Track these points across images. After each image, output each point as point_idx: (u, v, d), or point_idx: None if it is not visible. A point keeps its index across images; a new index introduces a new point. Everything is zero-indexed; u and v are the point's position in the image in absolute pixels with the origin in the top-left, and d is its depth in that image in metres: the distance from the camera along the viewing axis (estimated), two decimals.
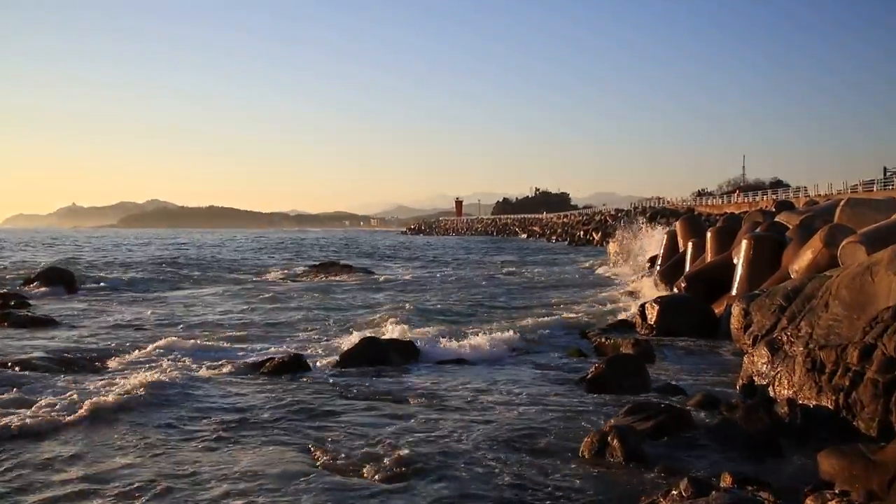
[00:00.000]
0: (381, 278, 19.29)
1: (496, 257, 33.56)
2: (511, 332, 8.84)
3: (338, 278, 19.22)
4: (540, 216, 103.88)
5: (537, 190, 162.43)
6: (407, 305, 12.65)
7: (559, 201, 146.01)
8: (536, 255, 34.65)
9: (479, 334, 9.00)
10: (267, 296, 14.87)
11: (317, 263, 23.65)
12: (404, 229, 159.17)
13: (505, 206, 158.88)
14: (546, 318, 10.87)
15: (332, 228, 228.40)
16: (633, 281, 14.40)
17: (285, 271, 21.86)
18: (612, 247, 23.06)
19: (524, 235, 79.14)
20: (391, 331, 8.98)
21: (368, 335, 8.47)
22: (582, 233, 54.06)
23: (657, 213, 45.69)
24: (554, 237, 59.81)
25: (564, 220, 77.50)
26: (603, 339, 8.53)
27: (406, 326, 9.26)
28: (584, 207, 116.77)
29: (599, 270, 20.90)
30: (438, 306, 12.50)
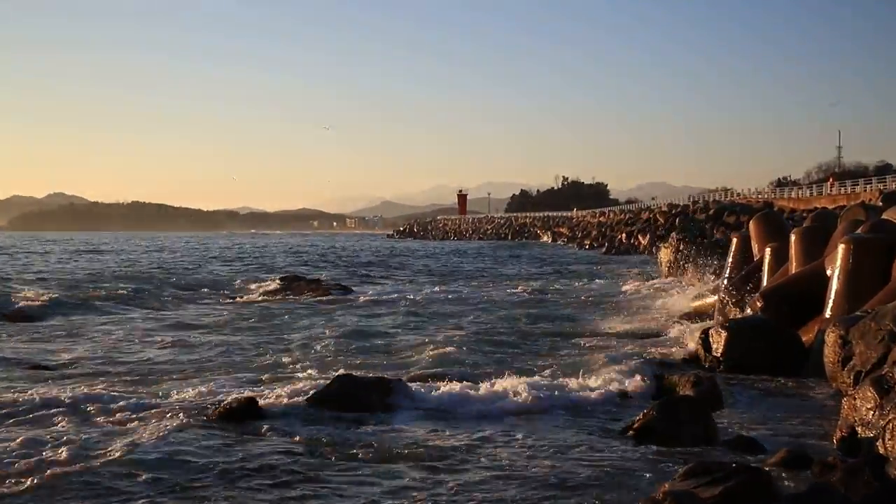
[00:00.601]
0: (361, 298, 19.62)
1: (511, 268, 33.77)
2: (532, 379, 8.74)
3: (303, 298, 19.44)
4: (569, 214, 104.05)
5: (565, 180, 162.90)
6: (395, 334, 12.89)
7: (594, 194, 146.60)
8: (565, 266, 34.88)
9: (489, 373, 9.12)
10: (209, 321, 15.02)
11: (274, 279, 24.13)
12: (391, 232, 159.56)
13: (523, 200, 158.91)
14: (580, 351, 11.02)
15: (298, 231, 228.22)
16: (695, 300, 14.46)
17: (232, 290, 22.14)
18: (664, 254, 23.16)
19: (547, 239, 79.48)
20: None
21: (343, 373, 8.51)
22: (624, 236, 54.29)
23: (723, 210, 45.83)
24: (587, 242, 60.02)
25: (601, 219, 77.69)
26: (655, 376, 8.59)
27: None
28: (628, 202, 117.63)
29: (648, 285, 20.94)
30: (438, 337, 12.60)
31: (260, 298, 19.73)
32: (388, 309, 17.34)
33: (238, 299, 19.55)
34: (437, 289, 22.51)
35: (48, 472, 5.45)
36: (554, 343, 12.14)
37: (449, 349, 11.19)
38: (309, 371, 9.58)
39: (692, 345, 10.39)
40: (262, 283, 23.42)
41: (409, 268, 35.27)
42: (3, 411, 7.22)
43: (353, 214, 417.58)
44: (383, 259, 43.44)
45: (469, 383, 8.45)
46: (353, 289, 22.22)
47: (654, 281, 21.69)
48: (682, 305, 14.87)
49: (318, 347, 11.80)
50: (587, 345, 11.78)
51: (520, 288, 21.63)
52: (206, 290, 21.55)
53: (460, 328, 13.83)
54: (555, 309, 16.77)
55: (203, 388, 8.38)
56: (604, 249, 50.83)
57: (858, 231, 10.27)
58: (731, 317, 11.51)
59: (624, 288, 21.09)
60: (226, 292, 21.17)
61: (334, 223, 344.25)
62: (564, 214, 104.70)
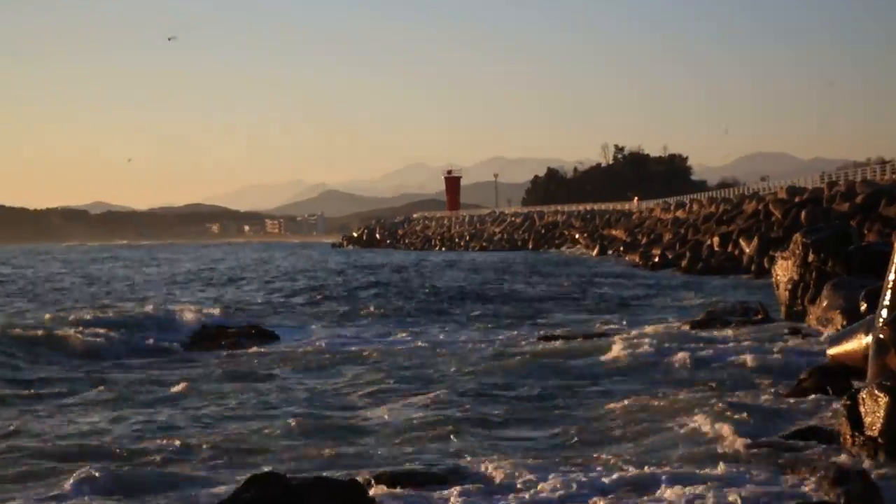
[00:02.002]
0: (282, 347, 20.48)
1: (544, 304, 33.84)
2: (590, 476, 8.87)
3: (207, 356, 20.48)
4: (624, 206, 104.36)
5: (619, 151, 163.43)
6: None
7: (667, 174, 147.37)
8: (636, 300, 34.95)
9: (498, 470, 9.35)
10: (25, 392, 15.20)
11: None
12: (338, 240, 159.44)
13: (551, 185, 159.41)
14: (649, 421, 11.16)
15: (180, 243, 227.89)
16: (834, 343, 14.52)
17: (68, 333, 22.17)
18: (781, 269, 23.20)
19: (592, 251, 79.10)
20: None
21: (268, 470, 8.50)
22: (716, 240, 54.48)
23: (880, 197, 45.86)
24: (656, 253, 59.85)
25: (678, 213, 78.05)
26: (778, 462, 8.71)
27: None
28: (721, 186, 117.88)
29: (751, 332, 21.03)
30: (417, 410, 12.91)
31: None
32: (345, 366, 17.91)
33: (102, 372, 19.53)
34: (420, 330, 23.17)
35: None
36: (592, 405, 12.27)
37: (435, 428, 11.69)
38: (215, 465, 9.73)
39: (832, 417, 10.44)
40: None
41: (363, 294, 35.63)
42: None
43: (276, 213, 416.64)
44: (320, 282, 43.40)
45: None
46: (276, 333, 23.39)
47: (767, 326, 21.78)
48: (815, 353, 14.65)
49: (232, 427, 12.19)
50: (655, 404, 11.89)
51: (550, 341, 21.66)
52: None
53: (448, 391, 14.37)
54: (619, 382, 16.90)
55: None
56: (683, 264, 50.82)
57: None
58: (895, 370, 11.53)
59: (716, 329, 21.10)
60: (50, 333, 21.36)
61: (246, 227, 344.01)
62: (618, 207, 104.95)
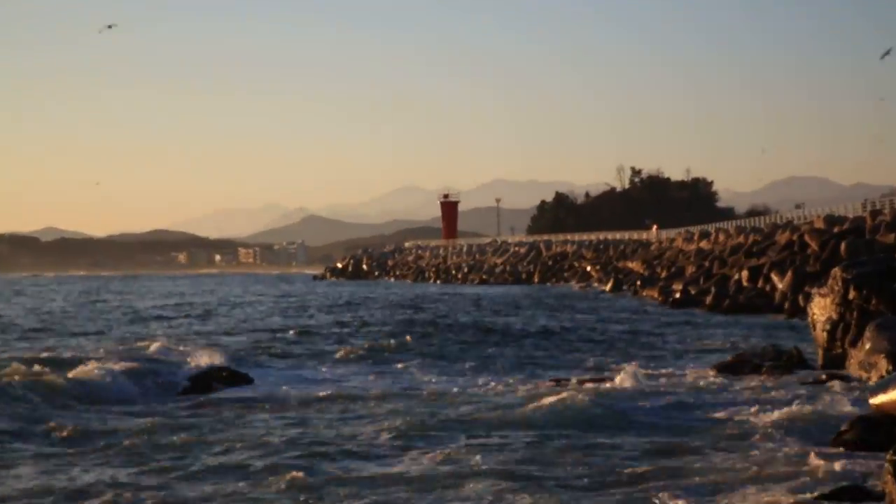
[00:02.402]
0: (261, 392, 20.24)
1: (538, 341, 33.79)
2: None
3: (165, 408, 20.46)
4: (642, 235, 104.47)
5: (636, 174, 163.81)
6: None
7: (690, 199, 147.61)
8: (651, 340, 34.93)
9: None
10: None
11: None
12: (320, 272, 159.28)
13: (558, 211, 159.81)
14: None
15: (142, 273, 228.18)
16: (879, 391, 14.52)
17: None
18: (818, 308, 23.14)
19: (605, 286, 79.01)
20: None
21: None
22: (746, 274, 54.49)
23: None
24: (677, 289, 59.77)
25: (703, 244, 78.15)
26: None
27: None
28: (750, 214, 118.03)
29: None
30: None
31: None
32: (337, 413, 17.90)
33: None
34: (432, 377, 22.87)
35: None
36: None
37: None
38: None
39: (876, 474, 10.40)
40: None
41: (350, 334, 35.50)
42: None
43: (251, 241, 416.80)
44: (303, 323, 43.37)
45: None
46: (248, 375, 23.77)
47: (802, 372, 21.77)
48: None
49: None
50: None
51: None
52: None
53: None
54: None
55: None
56: (707, 300, 50.81)
57: None
58: None
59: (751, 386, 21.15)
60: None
61: (216, 256, 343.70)
62: (634, 237, 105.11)
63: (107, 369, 22.89)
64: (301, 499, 11.74)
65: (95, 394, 21.01)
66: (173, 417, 18.08)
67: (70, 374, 21.70)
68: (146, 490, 12.28)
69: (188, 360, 25.61)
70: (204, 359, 25.72)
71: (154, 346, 27.72)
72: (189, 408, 19.24)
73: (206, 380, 22.54)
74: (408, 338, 33.31)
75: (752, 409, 16.87)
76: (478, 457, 13.69)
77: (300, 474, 12.74)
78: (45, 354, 26.67)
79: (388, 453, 14.42)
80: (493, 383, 22.08)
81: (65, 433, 16.35)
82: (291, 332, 37.16)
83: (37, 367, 22.31)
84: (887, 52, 53.35)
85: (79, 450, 15.06)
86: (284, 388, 21.87)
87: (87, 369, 22.62)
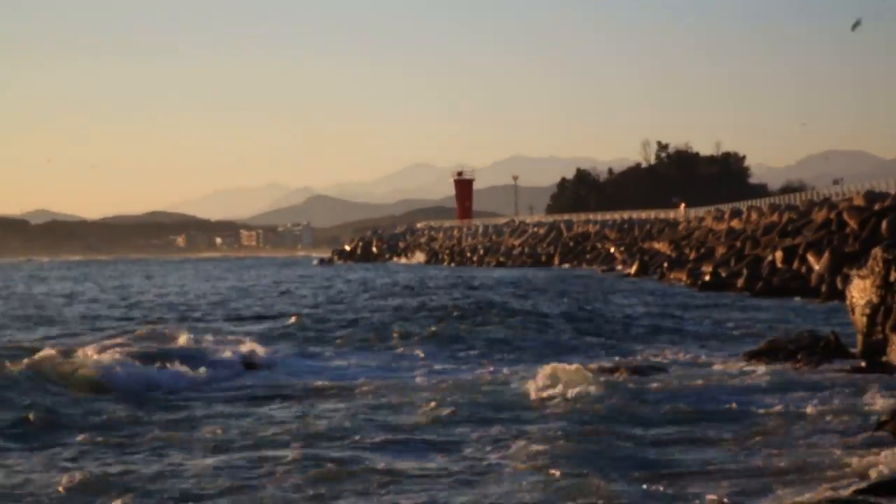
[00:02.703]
0: (298, 384, 20.27)
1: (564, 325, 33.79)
2: None
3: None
4: (669, 214, 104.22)
5: (662, 149, 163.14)
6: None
7: (720, 175, 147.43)
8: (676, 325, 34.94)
9: None
10: None
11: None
12: (325, 255, 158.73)
13: (579, 189, 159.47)
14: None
15: (140, 256, 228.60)
16: None
17: None
18: (858, 290, 23.10)
19: (629, 270, 78.89)
20: None
21: None
22: (780, 255, 54.46)
23: None
24: (706, 270, 59.72)
25: (734, 223, 77.99)
26: None
27: None
28: (784, 191, 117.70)
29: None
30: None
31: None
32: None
33: None
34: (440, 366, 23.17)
35: None
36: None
37: None
38: None
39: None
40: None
41: (359, 320, 35.47)
42: None
43: (253, 222, 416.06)
44: (306, 306, 43.44)
45: None
46: (255, 361, 23.87)
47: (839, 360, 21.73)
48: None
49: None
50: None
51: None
52: None
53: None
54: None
55: None
56: (739, 283, 50.78)
57: None
58: None
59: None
60: None
61: (217, 239, 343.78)
62: (661, 216, 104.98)
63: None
64: None
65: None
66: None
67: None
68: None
69: None
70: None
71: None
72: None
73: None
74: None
75: (786, 400, 16.91)
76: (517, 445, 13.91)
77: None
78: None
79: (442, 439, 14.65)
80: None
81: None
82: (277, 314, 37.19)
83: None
84: (857, 23, 54.75)
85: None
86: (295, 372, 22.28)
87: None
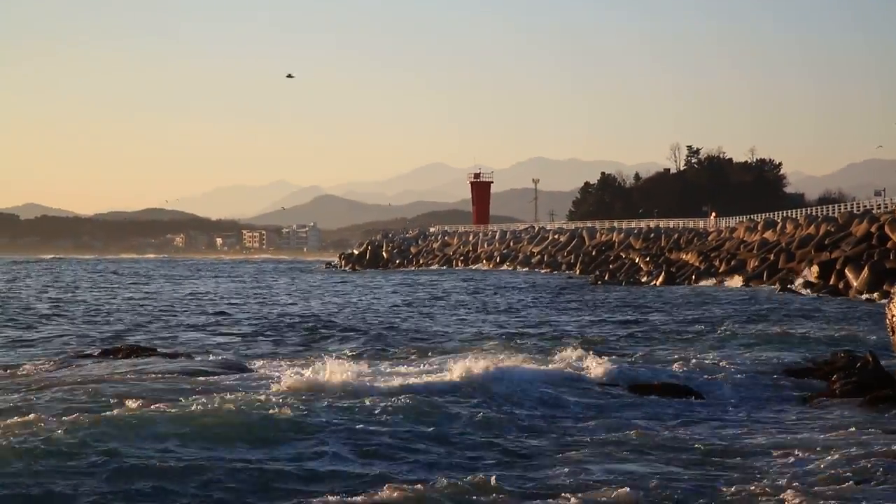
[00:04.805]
0: (259, 378, 20.38)
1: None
2: None
3: (150, 377, 21.81)
4: (698, 223, 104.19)
5: (692, 154, 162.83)
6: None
7: (756, 184, 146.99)
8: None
9: None
10: None
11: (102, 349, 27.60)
12: (333, 260, 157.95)
13: (603, 194, 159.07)
14: None
15: (133, 255, 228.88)
16: None
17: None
18: None
19: (656, 282, 78.28)
20: None
21: None
22: (816, 270, 54.37)
23: None
24: (738, 279, 59.53)
25: (767, 234, 77.88)
26: None
27: None
28: (822, 202, 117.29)
29: None
30: None
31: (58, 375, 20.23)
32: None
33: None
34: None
35: None
36: None
37: None
38: None
39: None
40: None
41: (363, 326, 35.43)
42: None
43: (257, 222, 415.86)
44: (303, 317, 43.36)
45: None
46: (242, 363, 24.58)
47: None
48: None
49: None
50: None
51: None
52: None
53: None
54: None
55: None
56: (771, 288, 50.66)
57: None
58: None
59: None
60: None
61: (218, 239, 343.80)
62: (690, 225, 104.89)
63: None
64: None
65: None
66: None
67: None
68: None
69: None
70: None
71: None
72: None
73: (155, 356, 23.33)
74: None
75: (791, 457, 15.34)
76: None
77: None
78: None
79: None
80: None
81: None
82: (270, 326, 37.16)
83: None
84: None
85: None
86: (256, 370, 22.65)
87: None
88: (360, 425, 16.36)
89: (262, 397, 18.11)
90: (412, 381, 20.73)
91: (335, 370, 20.49)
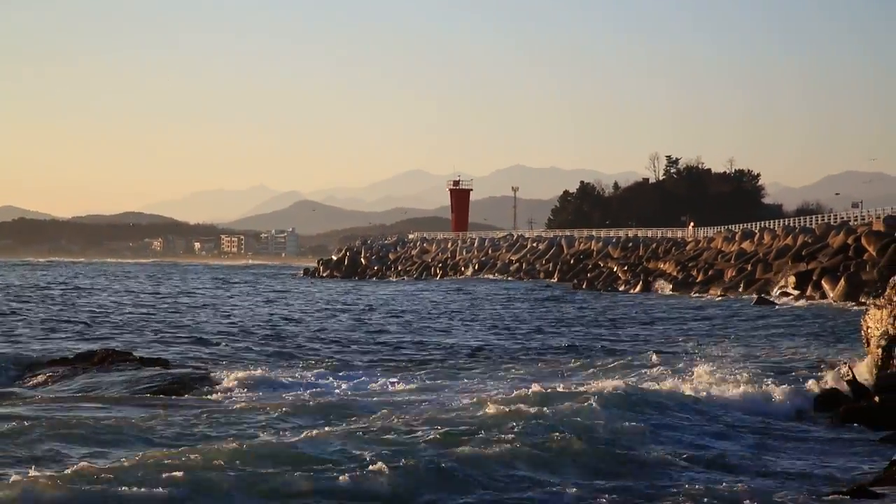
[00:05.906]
0: (225, 394, 20.76)
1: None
2: None
3: (116, 389, 21.48)
4: (676, 233, 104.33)
5: (671, 164, 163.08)
6: None
7: (732, 196, 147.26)
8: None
9: None
10: None
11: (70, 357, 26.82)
12: (311, 265, 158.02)
13: (582, 203, 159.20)
14: None
15: (111, 259, 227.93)
16: None
17: None
18: (873, 319, 22.95)
19: (633, 290, 78.62)
20: None
21: None
22: (792, 280, 54.51)
23: None
24: (715, 298, 59.72)
25: (744, 245, 77.98)
26: None
27: None
28: (800, 213, 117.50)
29: None
30: None
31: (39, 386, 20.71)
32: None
33: None
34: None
35: None
36: None
37: None
38: None
39: None
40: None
41: (332, 339, 35.66)
42: None
43: (236, 227, 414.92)
44: (273, 327, 43.17)
45: None
46: (212, 372, 24.63)
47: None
48: None
49: None
50: None
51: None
52: None
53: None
54: None
55: None
56: (747, 301, 50.75)
57: None
58: None
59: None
60: None
61: (196, 244, 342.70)
62: (668, 235, 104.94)
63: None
64: None
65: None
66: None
67: None
68: None
69: None
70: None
71: None
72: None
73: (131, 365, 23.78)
74: None
75: None
76: None
77: None
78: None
79: None
80: None
81: None
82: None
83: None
84: None
85: None
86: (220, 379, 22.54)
87: None
88: None
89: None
90: None
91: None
